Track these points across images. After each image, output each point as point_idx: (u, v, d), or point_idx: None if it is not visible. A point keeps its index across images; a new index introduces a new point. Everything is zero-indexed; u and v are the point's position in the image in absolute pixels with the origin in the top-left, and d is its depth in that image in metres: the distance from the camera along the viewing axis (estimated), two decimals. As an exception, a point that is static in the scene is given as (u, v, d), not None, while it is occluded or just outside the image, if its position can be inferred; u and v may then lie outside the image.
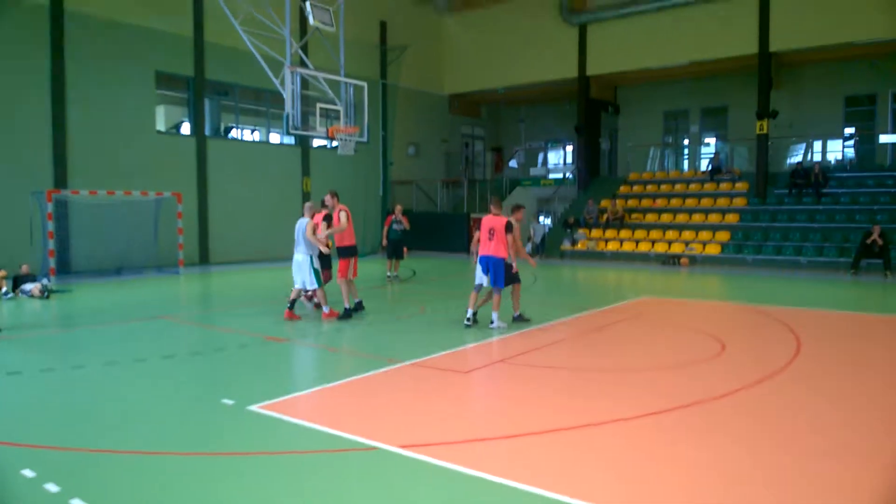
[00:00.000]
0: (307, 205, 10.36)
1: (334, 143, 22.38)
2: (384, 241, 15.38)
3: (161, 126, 20.01)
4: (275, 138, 23.38)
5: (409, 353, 7.78)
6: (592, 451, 4.78)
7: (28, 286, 12.73)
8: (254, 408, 5.76)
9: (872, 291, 14.23)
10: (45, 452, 4.79)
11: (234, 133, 22.38)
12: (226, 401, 5.97)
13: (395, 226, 15.11)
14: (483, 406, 5.94)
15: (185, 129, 20.80)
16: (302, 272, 10.05)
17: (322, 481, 4.29)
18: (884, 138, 23.09)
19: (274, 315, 10.50)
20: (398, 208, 15.67)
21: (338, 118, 13.37)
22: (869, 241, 16.35)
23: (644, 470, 4.44)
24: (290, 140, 23.25)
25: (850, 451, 4.75)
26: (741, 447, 4.83)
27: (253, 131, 23.35)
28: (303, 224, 10.00)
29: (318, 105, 13.11)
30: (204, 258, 20.05)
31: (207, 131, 20.47)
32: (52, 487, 4.15)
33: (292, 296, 10.29)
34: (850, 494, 4.06)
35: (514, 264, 9.44)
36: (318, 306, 11.07)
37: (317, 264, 10.04)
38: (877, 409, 5.85)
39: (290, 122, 12.09)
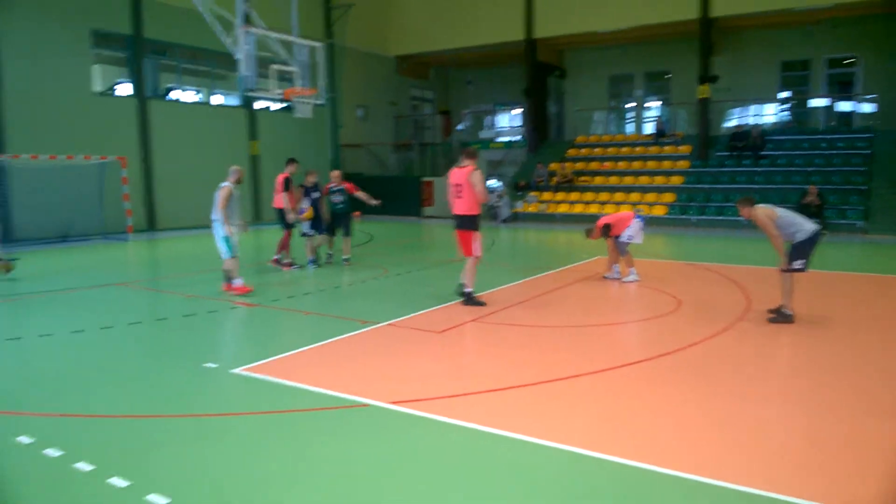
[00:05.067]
0: (232, 168, 9.55)
1: (282, 106, 22.13)
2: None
3: (97, 87, 19.18)
4: (217, 100, 22.72)
5: (381, 315, 7.93)
6: (578, 401, 5.07)
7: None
8: (238, 370, 5.83)
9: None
10: (36, 419, 4.76)
11: (174, 94, 21.64)
12: (208, 364, 6.01)
13: (332, 196, 12.06)
14: (463, 362, 6.16)
15: (122, 90, 19.99)
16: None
17: (324, 438, 4.44)
18: (816, 102, 24.16)
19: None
20: (335, 174, 12.21)
21: (292, 80, 13.13)
22: (806, 202, 17.23)
23: (628, 415, 4.75)
24: (233, 101, 22.65)
25: (800, 394, 5.19)
26: (713, 390, 5.20)
27: (197, 93, 22.61)
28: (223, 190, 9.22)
29: (274, 67, 12.82)
30: (151, 224, 19.56)
31: (148, 92, 19.76)
32: (52, 452, 4.16)
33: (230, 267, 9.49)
34: (804, 433, 4.47)
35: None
36: (288, 265, 11.45)
37: (226, 231, 9.20)
38: (820, 355, 6.34)
39: (246, 84, 11.84)
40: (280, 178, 11.58)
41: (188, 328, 7.64)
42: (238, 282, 9.41)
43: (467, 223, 8.48)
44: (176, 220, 19.99)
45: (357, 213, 12.32)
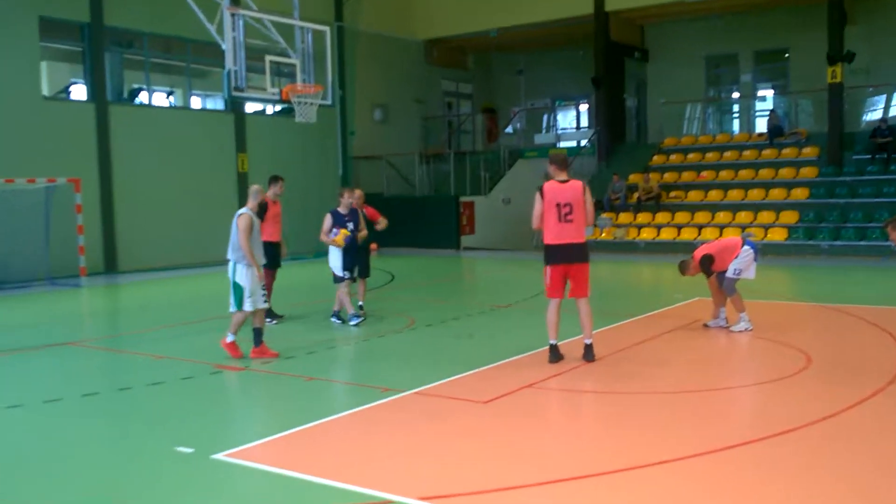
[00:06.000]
0: (253, 188, 9.65)
1: (278, 108, 22.63)
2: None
3: (46, 90, 19.88)
4: (196, 103, 23.33)
5: (407, 380, 7.91)
6: (666, 497, 4.96)
7: None
8: (220, 456, 5.85)
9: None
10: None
11: (143, 97, 22.30)
12: (181, 448, 6.06)
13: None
14: (514, 444, 6.09)
15: (78, 92, 20.67)
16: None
17: (330, 546, 4.43)
18: None
19: (217, 336, 10.56)
20: (358, 195, 12.04)
21: (292, 75, 13.44)
22: (977, 220, 16.81)
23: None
24: (217, 104, 23.23)
25: None
26: (848, 485, 5.04)
27: (170, 94, 23.28)
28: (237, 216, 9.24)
29: (268, 58, 13.12)
30: (111, 265, 20.00)
31: (109, 95, 20.39)
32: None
33: (255, 323, 9.37)
34: None
35: None
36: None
37: (239, 278, 9.07)
38: None
39: (233, 82, 12.14)
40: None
41: (155, 401, 7.74)
42: (230, 338, 9.24)
43: (585, 254, 8.48)
44: (142, 260, 20.40)
45: (374, 245, 12.17)
